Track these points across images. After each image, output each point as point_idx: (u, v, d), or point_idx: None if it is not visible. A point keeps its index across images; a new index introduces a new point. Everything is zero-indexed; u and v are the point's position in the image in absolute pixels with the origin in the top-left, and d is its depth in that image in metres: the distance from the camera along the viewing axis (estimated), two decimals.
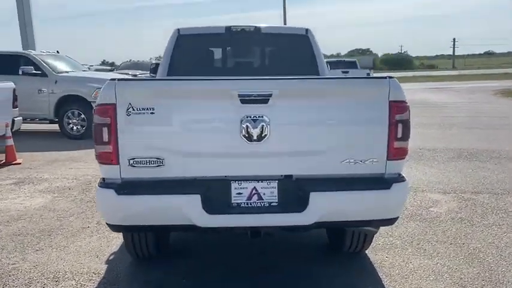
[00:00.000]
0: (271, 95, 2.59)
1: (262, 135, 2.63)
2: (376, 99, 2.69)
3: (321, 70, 4.64)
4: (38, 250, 3.90)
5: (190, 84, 2.75)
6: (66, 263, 3.62)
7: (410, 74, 46.14)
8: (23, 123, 8.48)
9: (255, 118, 2.62)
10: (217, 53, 4.86)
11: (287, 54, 4.74)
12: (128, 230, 2.84)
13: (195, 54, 4.69)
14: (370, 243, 3.59)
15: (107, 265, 3.60)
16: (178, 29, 4.65)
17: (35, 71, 9.79)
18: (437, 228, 4.32)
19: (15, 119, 7.97)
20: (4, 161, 7.45)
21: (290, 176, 2.76)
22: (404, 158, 2.83)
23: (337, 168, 2.72)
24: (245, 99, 2.60)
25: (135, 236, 3.32)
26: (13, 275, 3.44)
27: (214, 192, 2.69)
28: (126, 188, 2.65)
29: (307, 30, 4.67)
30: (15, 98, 7.95)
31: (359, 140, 2.72)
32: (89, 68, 13.89)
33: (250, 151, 2.66)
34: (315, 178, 2.74)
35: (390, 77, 2.72)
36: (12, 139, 7.57)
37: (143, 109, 2.60)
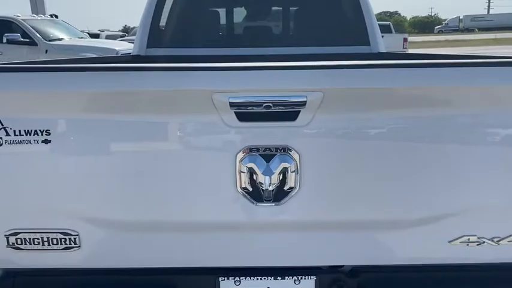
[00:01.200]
0: (304, 103, 1.15)
1: (285, 188, 1.22)
2: None
3: (372, 38, 3.14)
4: None
5: (127, 78, 1.27)
6: None
7: (442, 38, 42.91)
8: None
9: (268, 153, 1.20)
10: (220, 15, 3.32)
11: (322, 14, 3.22)
12: None
13: (185, 15, 3.20)
14: None
15: None
16: None
17: (22, 39, 8.46)
18: None
19: None
20: None
21: (341, 267, 1.37)
22: None
23: (451, 251, 1.30)
24: (246, 113, 1.18)
25: None
26: None
27: None
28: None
29: None
30: None
31: (497, 195, 1.28)
32: (88, 34, 12.45)
33: (259, 220, 1.26)
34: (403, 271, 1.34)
35: None
36: None
37: (28, 132, 1.20)
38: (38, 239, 1.27)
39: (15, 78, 1.23)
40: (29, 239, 1.27)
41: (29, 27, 8.67)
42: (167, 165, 1.23)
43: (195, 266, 1.32)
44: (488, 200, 1.26)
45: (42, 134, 1.20)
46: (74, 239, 1.27)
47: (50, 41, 8.73)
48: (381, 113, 1.22)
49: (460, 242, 1.29)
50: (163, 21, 3.18)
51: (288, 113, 1.18)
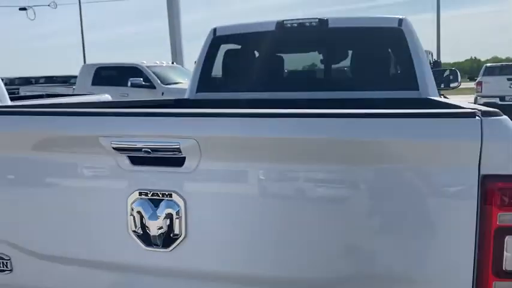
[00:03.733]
0: (178, 149, 1.17)
1: (172, 234, 1.22)
2: (445, 167, 1.08)
3: (421, 82, 2.94)
4: None
5: (23, 122, 1.41)
6: None
7: None
8: None
9: (156, 197, 1.22)
10: (266, 60, 3.42)
11: (367, 59, 3.12)
12: None
13: (235, 62, 3.37)
14: None
15: None
16: (215, 29, 3.38)
17: (143, 83, 9.55)
18: None
19: None
20: None
21: None
22: None
23: None
24: (139, 157, 1.22)
25: None
26: None
27: None
28: None
29: (401, 20, 2.99)
30: None
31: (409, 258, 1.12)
32: None
33: (147, 264, 1.27)
34: None
35: (485, 113, 1.05)
36: None
37: None
38: None
39: None
40: None
41: (151, 72, 9.76)
42: (69, 203, 1.32)
43: None
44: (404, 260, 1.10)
45: None
46: (6, 262, 1.42)
47: (167, 84, 9.70)
48: (261, 164, 1.17)
49: None
50: (213, 69, 3.40)
51: (175, 158, 1.20)
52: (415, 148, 1.10)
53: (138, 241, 1.25)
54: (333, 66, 3.33)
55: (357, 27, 3.11)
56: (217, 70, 3.42)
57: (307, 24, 3.11)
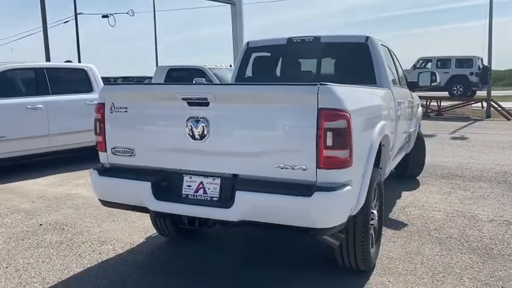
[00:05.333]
0: (206, 98, 2.87)
1: (203, 134, 2.93)
2: (304, 106, 2.68)
3: (378, 79, 4.46)
4: (113, 221, 4.90)
5: (147, 88, 3.23)
6: (120, 233, 4.50)
7: None
8: None
9: (197, 119, 2.94)
10: (280, 63, 5.11)
11: (344, 62, 4.70)
12: (106, 205, 3.44)
13: (259, 64, 5.07)
14: (366, 263, 3.39)
15: (144, 239, 4.33)
16: (248, 42, 5.11)
17: (205, 82, 11.47)
18: None
19: None
20: None
21: (236, 175, 2.96)
22: (342, 168, 2.71)
23: (270, 171, 2.80)
24: (190, 102, 2.95)
25: (157, 219, 3.97)
26: (82, 234, 4.49)
27: (170, 182, 3.11)
28: (106, 171, 3.30)
29: (367, 37, 4.54)
30: None
31: (288, 146, 2.75)
32: None
33: (195, 149, 2.98)
34: (250, 179, 2.88)
35: (322, 84, 2.67)
36: None
37: (120, 108, 3.21)
38: (121, 150, 3.25)
39: (116, 88, 3.27)
40: (118, 150, 3.24)
41: (212, 73, 11.69)
42: (164, 123, 3.09)
43: (174, 168, 3.10)
44: (285, 147, 2.74)
45: (124, 109, 3.19)
46: (132, 151, 3.20)
47: None
48: (241, 105, 2.86)
49: (277, 166, 2.77)
50: (244, 66, 5.11)
51: (204, 103, 2.90)
52: (293, 97, 2.72)
53: (190, 138, 2.97)
54: (322, 67, 4.94)
55: (339, 42, 4.71)
56: (248, 71, 5.14)
57: (306, 40, 4.76)
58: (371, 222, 3.51)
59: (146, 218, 4.63)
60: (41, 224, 4.84)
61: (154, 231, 4.34)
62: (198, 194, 3.03)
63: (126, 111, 3.20)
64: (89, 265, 3.76)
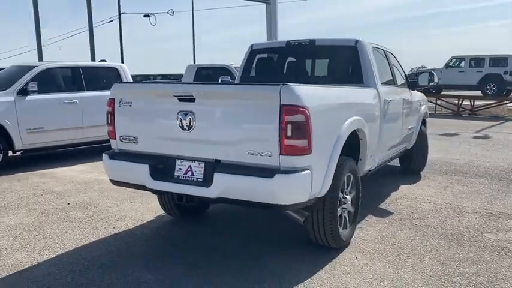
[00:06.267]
0: (192, 95, 3.44)
1: (190, 125, 3.50)
2: (270, 102, 3.19)
3: (365, 79, 4.89)
4: (130, 203, 5.58)
5: (147, 87, 3.83)
6: (134, 212, 5.16)
7: None
8: None
9: (185, 112, 3.51)
10: (280, 63, 5.61)
11: (336, 63, 5.15)
12: (115, 184, 4.06)
13: (261, 64, 5.60)
14: (336, 241, 3.86)
15: (154, 218, 4.97)
16: (252, 45, 5.65)
17: (230, 80, 12.08)
18: None
19: None
20: None
21: (218, 160, 3.51)
22: (301, 155, 3.20)
23: (244, 157, 3.34)
24: (180, 98, 3.52)
25: (161, 198, 4.59)
26: (102, 212, 5.18)
27: (165, 165, 3.70)
28: (115, 155, 3.93)
29: (356, 41, 4.97)
30: None
31: (257, 136, 3.28)
32: None
33: (184, 137, 3.56)
34: (229, 163, 3.42)
35: (284, 84, 3.17)
36: None
37: (126, 103, 3.83)
38: (127, 138, 3.88)
39: (123, 86, 3.90)
40: (125, 138, 3.88)
41: (236, 71, 12.28)
42: (160, 115, 3.68)
43: (169, 153, 3.68)
44: (255, 137, 3.27)
45: (129, 103, 3.81)
46: (136, 139, 3.82)
47: None
48: (218, 101, 3.41)
49: (249, 153, 3.30)
50: (248, 67, 5.65)
51: (191, 99, 3.47)
52: (262, 95, 3.24)
53: (180, 128, 3.54)
54: (317, 68, 5.41)
55: (331, 45, 5.17)
56: (253, 72, 5.67)
57: (303, 43, 5.25)
58: (343, 206, 3.98)
59: (155, 200, 5.26)
60: (68, 203, 5.57)
61: (163, 211, 4.97)
62: (187, 175, 3.60)
63: (131, 106, 3.81)
64: (103, 236, 4.43)
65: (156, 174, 3.67)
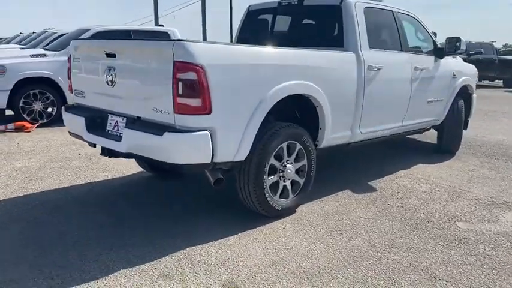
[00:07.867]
0: (113, 51, 3.52)
1: (113, 81, 3.59)
2: (165, 59, 3.12)
3: (346, 42, 4.49)
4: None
5: (86, 43, 3.96)
6: (121, 166, 5.47)
7: None
8: None
9: (109, 68, 3.60)
10: (271, 24, 5.33)
11: (321, 24, 4.78)
12: (71, 135, 4.27)
13: (256, 25, 5.41)
14: (265, 208, 3.72)
15: (135, 172, 5.25)
16: (249, 6, 5.47)
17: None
18: None
19: None
20: None
21: (139, 117, 3.57)
22: (196, 114, 3.11)
23: (151, 114, 3.35)
24: (107, 54, 3.62)
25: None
26: (98, 163, 5.59)
27: (101, 119, 3.86)
28: (68, 108, 4.21)
29: (342, 0, 4.55)
30: None
31: (157, 93, 3.25)
32: None
33: (110, 93, 3.67)
34: (146, 121, 3.44)
35: (178, 40, 3.08)
36: None
37: (76, 58, 4.05)
38: (78, 92, 4.11)
39: (79, 41, 4.11)
40: (77, 92, 4.11)
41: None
42: (95, 70, 3.83)
43: (102, 108, 3.83)
44: (154, 95, 3.25)
45: (77, 59, 4.01)
46: (83, 93, 4.03)
47: None
48: (127, 58, 3.43)
49: (153, 110, 3.30)
50: (244, 27, 5.50)
51: (113, 55, 3.54)
52: (159, 52, 3.17)
53: (106, 84, 3.65)
54: (303, 28, 5.05)
55: (317, 4, 4.79)
56: (248, 33, 5.51)
57: (292, 2, 4.96)
58: (281, 174, 3.79)
59: None
60: (79, 154, 6.10)
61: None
62: (113, 130, 3.73)
63: (79, 61, 4.02)
64: (87, 182, 4.83)
65: (91, 127, 3.86)
